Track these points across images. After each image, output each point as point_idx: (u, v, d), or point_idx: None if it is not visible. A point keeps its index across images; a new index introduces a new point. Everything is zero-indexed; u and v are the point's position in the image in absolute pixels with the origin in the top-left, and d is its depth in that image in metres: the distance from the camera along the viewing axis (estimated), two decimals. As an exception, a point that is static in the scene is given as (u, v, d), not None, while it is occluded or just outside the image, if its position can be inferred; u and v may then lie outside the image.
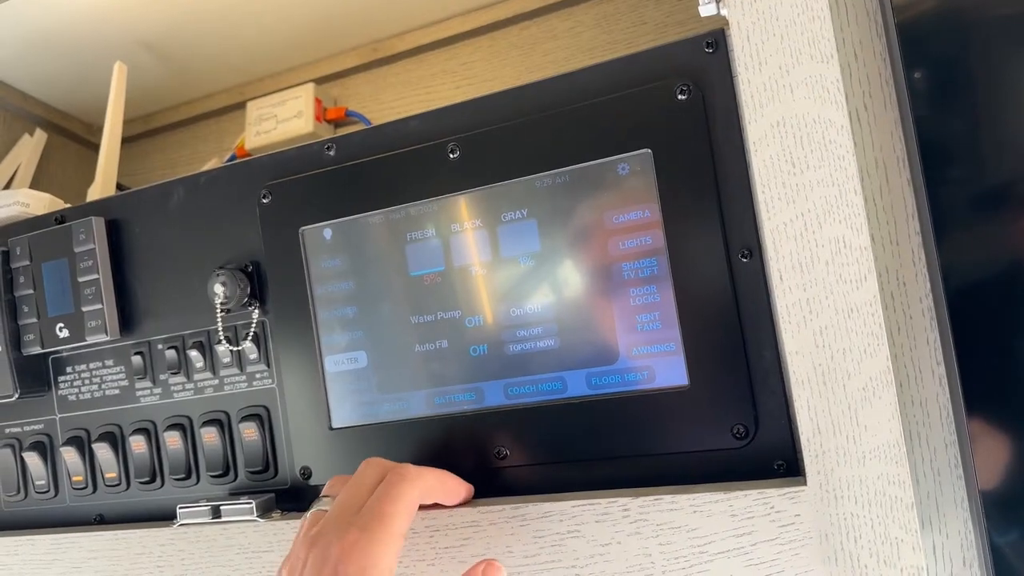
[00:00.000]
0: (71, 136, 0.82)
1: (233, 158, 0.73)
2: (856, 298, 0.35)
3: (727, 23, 0.38)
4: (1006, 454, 0.39)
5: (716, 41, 0.40)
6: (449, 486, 0.42)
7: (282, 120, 0.72)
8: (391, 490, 0.38)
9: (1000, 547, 0.39)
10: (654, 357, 0.41)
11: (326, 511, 0.40)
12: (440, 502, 0.43)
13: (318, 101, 0.72)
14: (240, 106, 0.78)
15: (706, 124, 0.40)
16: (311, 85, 0.72)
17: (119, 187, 0.67)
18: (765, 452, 0.39)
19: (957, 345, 0.39)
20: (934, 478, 0.42)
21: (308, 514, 0.41)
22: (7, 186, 0.74)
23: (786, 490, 0.37)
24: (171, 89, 0.79)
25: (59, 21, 0.67)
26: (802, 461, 0.37)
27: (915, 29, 0.40)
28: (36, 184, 0.76)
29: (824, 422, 0.36)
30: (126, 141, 0.83)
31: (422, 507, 0.42)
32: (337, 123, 0.73)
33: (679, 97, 0.41)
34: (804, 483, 0.37)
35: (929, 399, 0.42)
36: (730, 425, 0.40)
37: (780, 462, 0.39)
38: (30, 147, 0.76)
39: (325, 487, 0.44)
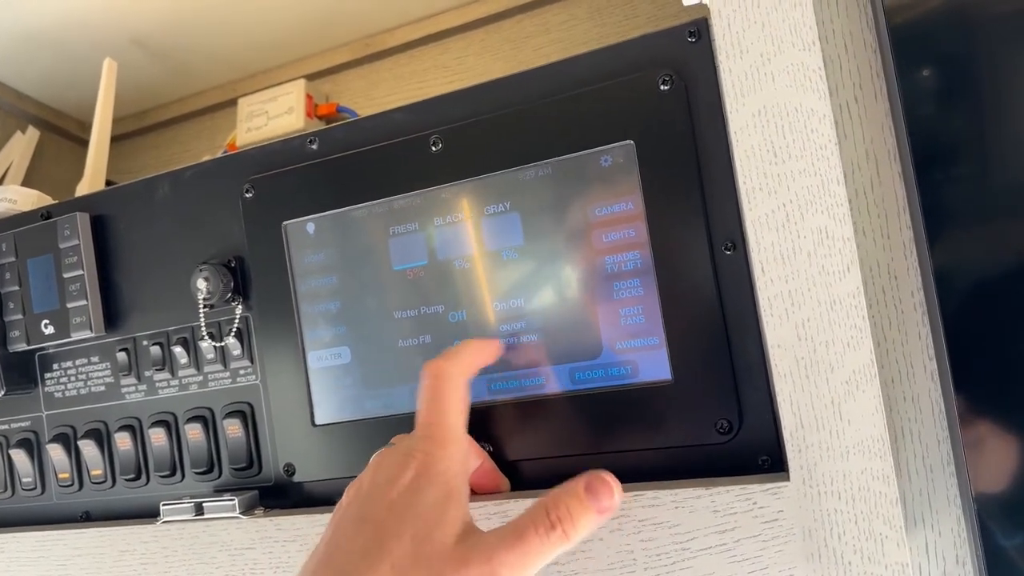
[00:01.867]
0: (64, 134, 0.82)
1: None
2: (839, 290, 0.35)
3: (709, 12, 0.38)
4: (999, 451, 0.38)
5: (699, 30, 0.40)
6: (486, 352, 0.41)
7: (273, 116, 0.71)
8: (434, 394, 0.37)
9: (993, 544, 0.38)
10: (637, 351, 0.41)
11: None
12: (475, 477, 0.41)
13: (309, 97, 0.71)
14: (232, 103, 0.77)
15: (689, 115, 0.40)
16: (302, 81, 0.72)
17: (109, 184, 0.67)
18: (750, 447, 0.39)
19: (949, 340, 0.38)
20: (926, 475, 0.41)
21: (375, 456, 0.39)
22: (-1, 184, 0.74)
23: (769, 486, 0.36)
24: (163, 86, 0.79)
25: (51, 19, 0.67)
26: (786, 456, 0.36)
27: (905, 20, 0.39)
28: (29, 182, 0.76)
29: (807, 416, 0.35)
30: (118, 139, 0.83)
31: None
32: (328, 119, 0.72)
33: (662, 88, 0.40)
34: (787, 478, 0.36)
35: (921, 395, 0.41)
36: (714, 420, 0.39)
37: (765, 457, 0.39)
38: (22, 145, 0.76)
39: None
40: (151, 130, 0.84)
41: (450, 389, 0.37)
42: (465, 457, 0.36)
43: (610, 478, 0.35)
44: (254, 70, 0.78)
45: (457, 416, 0.37)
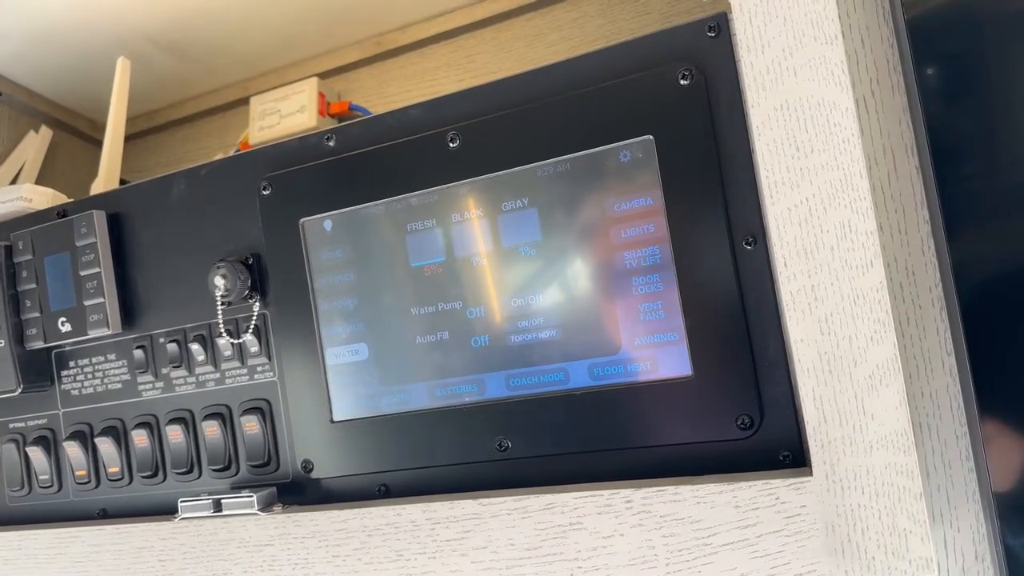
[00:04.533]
0: (77, 133, 0.82)
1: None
2: (862, 284, 0.35)
3: (729, 6, 0.38)
4: (1018, 446, 0.38)
5: (719, 25, 0.40)
6: None
7: (286, 115, 0.71)
8: None
9: (1012, 540, 0.38)
10: (657, 347, 0.41)
11: None
12: None
13: (321, 95, 0.71)
14: (244, 101, 0.77)
15: (709, 109, 0.40)
16: (315, 79, 0.72)
17: (123, 183, 0.67)
18: (771, 443, 0.39)
19: (967, 335, 0.38)
20: (945, 471, 0.41)
21: None
22: (13, 183, 0.74)
23: (791, 480, 0.36)
24: (176, 85, 0.79)
25: (64, 17, 0.68)
26: (808, 451, 0.36)
27: (922, 14, 0.39)
28: (42, 181, 0.76)
29: (830, 411, 0.35)
30: (131, 138, 0.83)
31: (417, 499, 0.41)
32: (341, 117, 0.72)
33: (681, 82, 0.40)
34: (810, 473, 0.36)
35: (939, 390, 0.41)
36: (735, 415, 0.39)
37: (786, 453, 0.38)
38: (35, 144, 0.76)
39: None
40: (163, 128, 0.84)
41: None
42: None
43: None
44: (266, 68, 0.78)
45: None
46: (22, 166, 0.75)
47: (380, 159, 0.47)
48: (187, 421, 0.52)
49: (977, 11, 0.39)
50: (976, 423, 0.39)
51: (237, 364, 0.51)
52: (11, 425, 0.59)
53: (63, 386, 0.57)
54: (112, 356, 0.55)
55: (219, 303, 0.49)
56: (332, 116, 0.72)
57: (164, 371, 0.53)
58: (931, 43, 0.39)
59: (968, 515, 0.40)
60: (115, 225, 0.55)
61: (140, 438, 0.53)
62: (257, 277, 0.50)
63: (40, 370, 0.57)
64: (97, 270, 0.53)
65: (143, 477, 0.54)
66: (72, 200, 0.59)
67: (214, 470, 0.51)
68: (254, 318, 0.50)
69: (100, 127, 0.84)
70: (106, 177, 0.64)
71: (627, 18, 0.67)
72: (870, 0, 0.42)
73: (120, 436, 0.54)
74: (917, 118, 0.40)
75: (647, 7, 0.66)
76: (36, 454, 0.57)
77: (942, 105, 0.39)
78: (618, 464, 0.41)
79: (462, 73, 0.73)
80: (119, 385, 0.55)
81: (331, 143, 0.49)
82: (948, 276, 0.39)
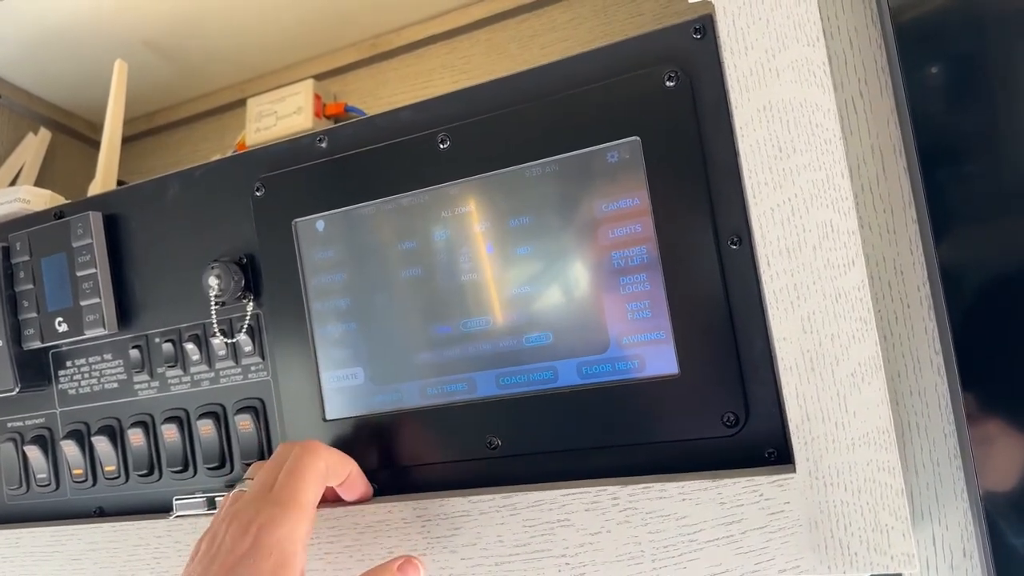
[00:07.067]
0: (75, 135, 0.83)
1: (235, 155, 0.73)
2: (844, 283, 0.35)
3: (714, 8, 0.38)
4: (1005, 444, 0.38)
5: (704, 27, 0.40)
6: (351, 471, 0.44)
7: (282, 117, 0.72)
8: (298, 464, 0.41)
9: (1000, 537, 0.38)
10: (644, 346, 0.41)
11: (246, 491, 0.41)
12: (341, 488, 0.45)
13: (317, 97, 0.72)
14: (241, 103, 0.78)
15: (694, 111, 0.40)
16: (311, 81, 0.72)
17: (121, 184, 0.68)
18: (756, 440, 0.39)
19: (955, 335, 0.38)
20: (933, 468, 0.41)
21: (230, 494, 0.42)
22: (12, 184, 0.75)
23: (775, 477, 0.36)
24: (173, 87, 0.80)
25: (62, 20, 0.68)
26: (792, 448, 0.37)
27: (911, 16, 0.39)
28: (41, 183, 0.76)
29: (813, 408, 0.36)
30: (129, 140, 0.84)
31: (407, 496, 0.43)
32: (337, 119, 0.73)
33: (667, 84, 0.40)
34: (793, 470, 0.36)
35: (928, 388, 0.41)
36: (720, 413, 0.39)
37: (771, 450, 0.39)
38: (34, 146, 0.77)
39: (248, 470, 0.46)
40: (161, 131, 0.84)
41: (313, 465, 0.41)
42: (308, 526, 0.39)
43: (418, 561, 0.42)
44: (263, 71, 0.78)
45: (311, 490, 0.40)
46: (21, 168, 0.76)
47: (371, 160, 0.47)
48: (182, 420, 0.53)
49: (965, 14, 0.39)
50: (964, 421, 0.39)
51: (231, 363, 0.51)
52: (9, 424, 0.59)
53: (60, 386, 0.57)
54: (108, 356, 0.56)
55: (213, 303, 0.50)
56: (328, 117, 0.73)
57: (159, 371, 0.54)
58: (919, 46, 0.39)
59: (956, 512, 0.41)
60: (111, 226, 0.55)
61: (136, 437, 0.54)
62: (251, 277, 0.51)
63: (37, 370, 0.57)
64: (93, 271, 0.53)
65: (139, 475, 0.54)
66: (69, 202, 0.59)
67: (209, 468, 0.52)
68: (248, 318, 0.50)
69: (98, 129, 0.84)
70: (104, 179, 0.65)
71: (621, 19, 0.68)
72: (858, 2, 0.43)
73: (116, 435, 0.55)
74: (905, 119, 0.40)
75: (640, 8, 0.66)
76: (34, 453, 0.57)
77: (930, 106, 0.39)
78: (605, 461, 0.42)
79: (457, 74, 0.73)
80: (115, 384, 0.55)
81: (323, 144, 0.49)
82: (936, 275, 0.39)
